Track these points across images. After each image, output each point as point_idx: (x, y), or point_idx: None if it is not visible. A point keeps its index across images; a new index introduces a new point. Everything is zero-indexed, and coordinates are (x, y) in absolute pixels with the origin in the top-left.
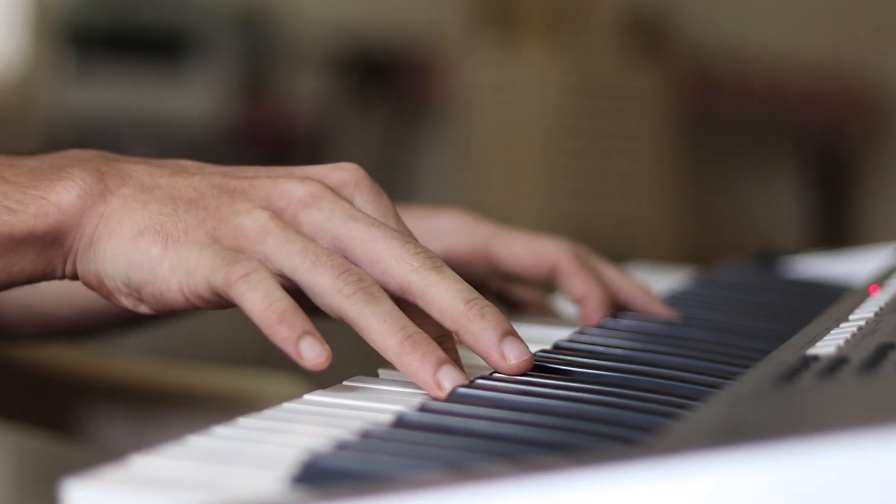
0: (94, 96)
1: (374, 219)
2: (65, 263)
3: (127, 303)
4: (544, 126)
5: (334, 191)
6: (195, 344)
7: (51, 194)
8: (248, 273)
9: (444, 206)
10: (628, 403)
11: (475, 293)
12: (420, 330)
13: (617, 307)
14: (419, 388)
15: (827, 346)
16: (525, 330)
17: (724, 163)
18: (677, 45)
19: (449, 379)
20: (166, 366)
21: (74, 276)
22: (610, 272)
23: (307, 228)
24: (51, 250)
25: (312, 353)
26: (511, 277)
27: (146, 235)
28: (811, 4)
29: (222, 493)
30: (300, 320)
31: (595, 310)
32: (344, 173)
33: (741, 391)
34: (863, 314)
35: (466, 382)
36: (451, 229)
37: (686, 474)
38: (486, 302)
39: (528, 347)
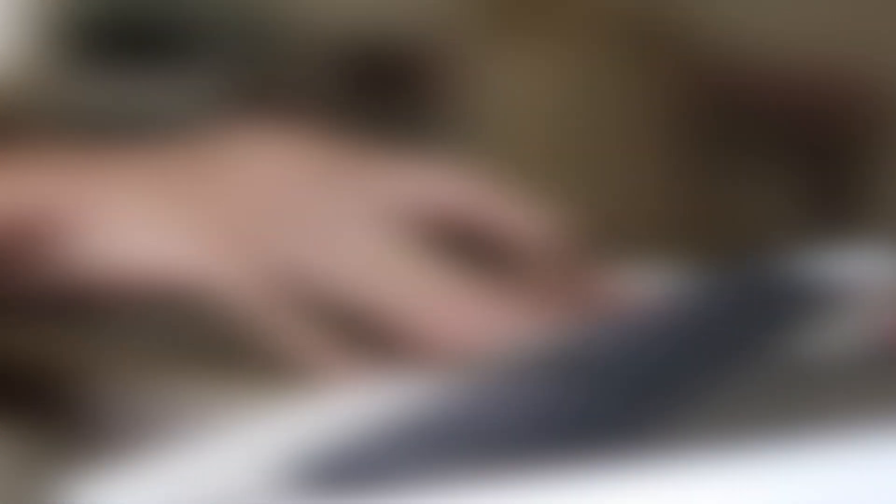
0: (96, 95)
1: None
2: None
3: None
4: (546, 124)
5: None
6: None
7: None
8: None
9: None
10: (626, 400)
11: None
12: None
13: None
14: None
15: (835, 340)
16: None
17: (723, 157)
18: (677, 38)
19: None
20: (170, 359)
21: None
22: None
23: None
24: None
25: None
26: None
27: None
28: None
29: (218, 490)
30: None
31: None
32: None
33: (745, 387)
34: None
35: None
36: None
37: (689, 471)
38: None
39: None
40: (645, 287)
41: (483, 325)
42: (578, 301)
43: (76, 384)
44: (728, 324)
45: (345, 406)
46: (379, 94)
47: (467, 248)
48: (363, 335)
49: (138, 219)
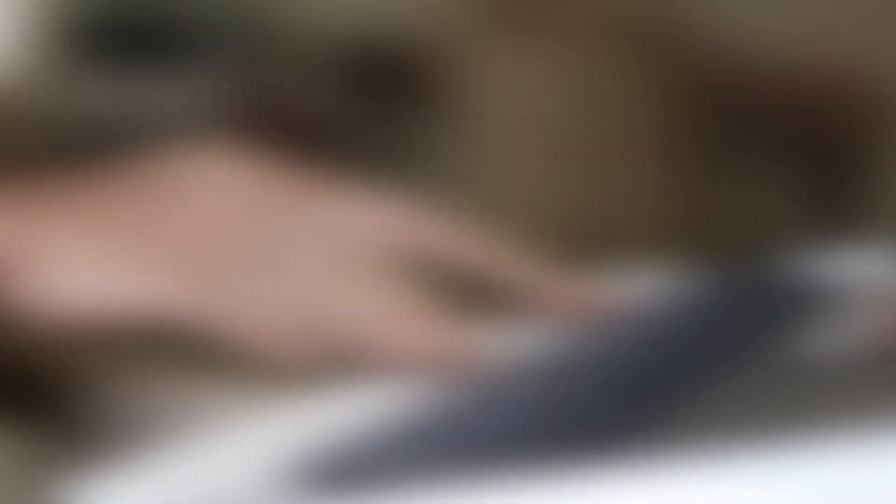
0: (95, 97)
1: None
2: None
3: None
4: (546, 124)
5: None
6: None
7: None
8: None
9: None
10: (627, 401)
11: None
12: None
13: None
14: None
15: (835, 340)
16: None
17: (723, 157)
18: (677, 38)
19: None
20: (168, 361)
21: None
22: None
23: None
24: None
25: None
26: None
27: None
28: None
29: (218, 490)
30: None
31: None
32: None
33: (746, 388)
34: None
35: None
36: None
37: (690, 471)
38: None
39: None
40: (645, 288)
41: (431, 349)
42: (570, 311)
43: (76, 385)
44: (728, 324)
45: (344, 407)
46: (379, 95)
47: (427, 273)
48: (327, 347)
49: (91, 258)
